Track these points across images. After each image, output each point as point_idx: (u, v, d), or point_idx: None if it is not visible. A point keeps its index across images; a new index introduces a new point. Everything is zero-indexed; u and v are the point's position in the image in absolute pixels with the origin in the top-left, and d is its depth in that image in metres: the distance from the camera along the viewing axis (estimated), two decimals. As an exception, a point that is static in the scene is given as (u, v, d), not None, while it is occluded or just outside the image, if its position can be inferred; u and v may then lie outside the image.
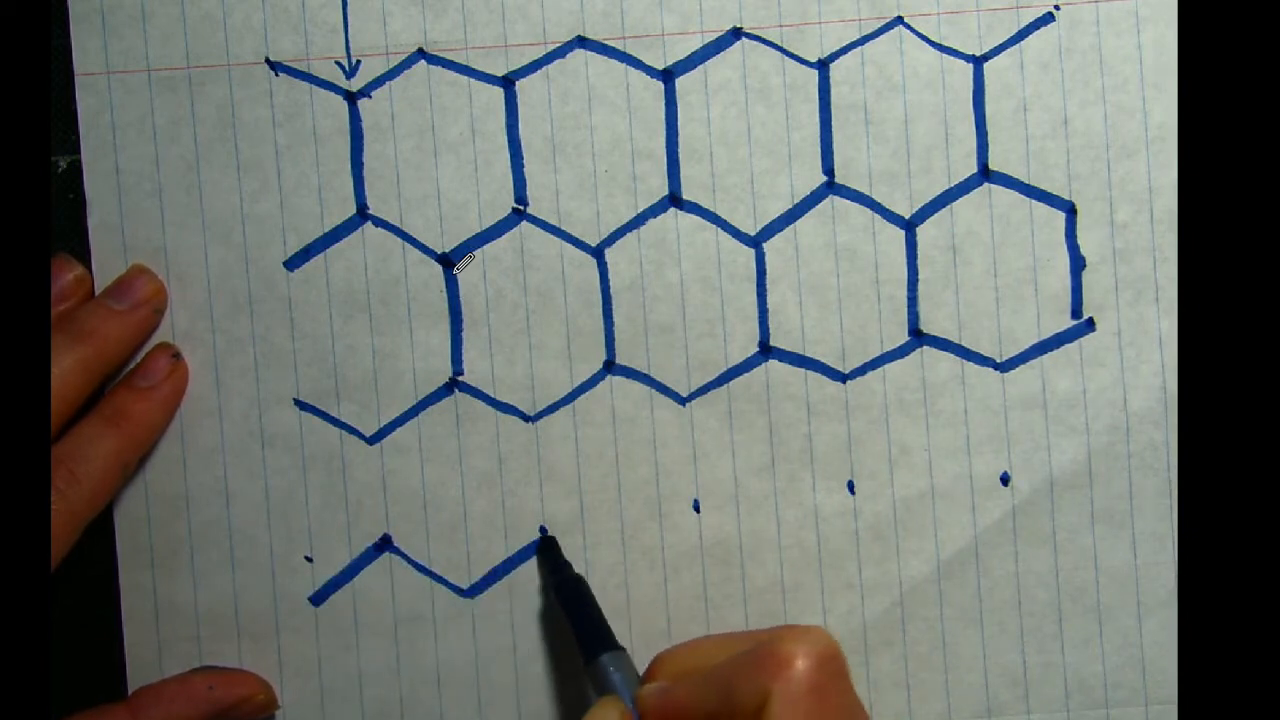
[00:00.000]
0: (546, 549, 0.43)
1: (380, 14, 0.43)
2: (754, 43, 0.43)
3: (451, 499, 0.43)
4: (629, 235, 0.43)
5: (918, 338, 0.43)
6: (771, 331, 0.43)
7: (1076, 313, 0.43)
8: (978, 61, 0.43)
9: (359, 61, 0.43)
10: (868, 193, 0.43)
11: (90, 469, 0.40)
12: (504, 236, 0.43)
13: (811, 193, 0.43)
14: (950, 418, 0.43)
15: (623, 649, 0.40)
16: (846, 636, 0.43)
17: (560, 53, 0.43)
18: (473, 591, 0.43)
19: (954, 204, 0.43)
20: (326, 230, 0.43)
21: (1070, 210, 0.43)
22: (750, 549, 0.43)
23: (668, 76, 0.43)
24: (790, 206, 0.43)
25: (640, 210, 0.43)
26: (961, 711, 0.43)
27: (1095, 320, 0.43)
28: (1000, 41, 0.43)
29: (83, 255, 0.42)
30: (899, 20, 0.43)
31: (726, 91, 0.43)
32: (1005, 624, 0.43)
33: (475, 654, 0.43)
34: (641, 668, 0.40)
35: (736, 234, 0.43)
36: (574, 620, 0.41)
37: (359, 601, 0.43)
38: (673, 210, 0.43)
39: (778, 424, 0.43)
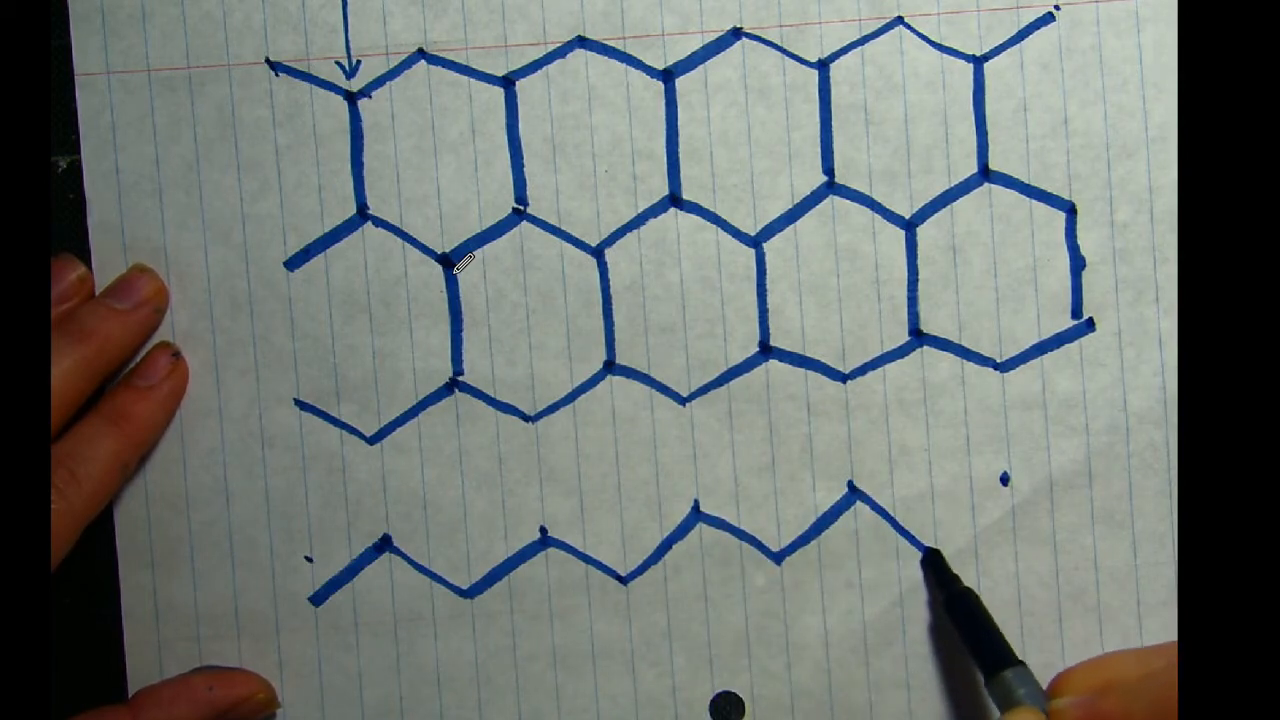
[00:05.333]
0: (933, 562, 0.42)
1: (380, 14, 0.43)
2: (754, 43, 0.43)
3: (451, 499, 0.43)
4: (629, 235, 0.43)
5: (918, 338, 0.43)
6: (771, 331, 0.43)
7: (1076, 313, 0.43)
8: (978, 61, 0.43)
9: (359, 61, 0.43)
10: (868, 193, 0.43)
11: (90, 469, 0.40)
12: (504, 236, 0.43)
13: (811, 193, 0.43)
14: (950, 418, 0.43)
15: (1023, 663, 0.39)
16: (846, 636, 0.43)
17: (560, 53, 0.43)
18: (473, 591, 0.43)
19: (954, 204, 0.43)
20: (326, 230, 0.43)
21: (1070, 210, 0.43)
22: (750, 549, 0.43)
23: (668, 76, 0.43)
24: (790, 206, 0.43)
25: (640, 210, 0.43)
26: (962, 711, 0.43)
27: (1095, 320, 0.43)
28: (1000, 41, 0.43)
29: (83, 255, 0.42)
30: (899, 20, 0.43)
31: (726, 91, 0.43)
32: (1005, 624, 0.43)
33: (475, 654, 0.43)
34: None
35: (736, 234, 0.43)
36: (969, 635, 0.40)
37: (359, 601, 0.43)
38: (673, 210, 0.43)
39: (778, 424, 0.43)
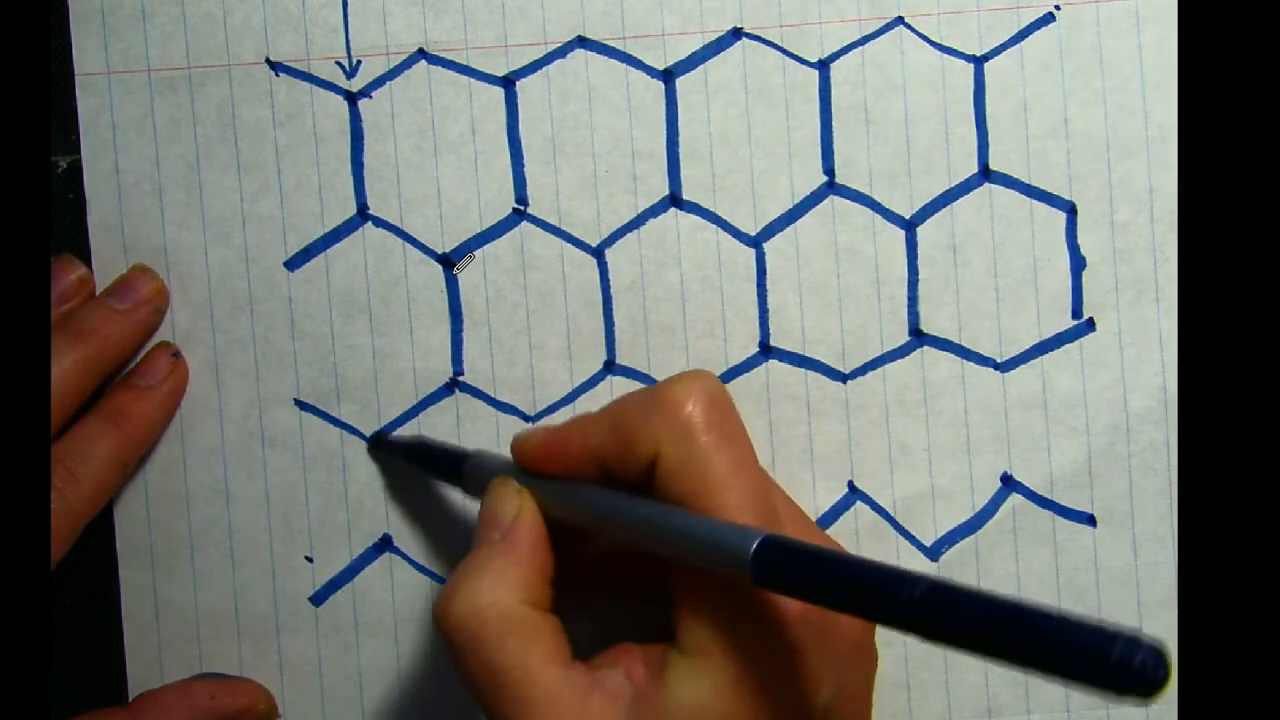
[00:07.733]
0: (376, 445, 0.43)
1: (380, 14, 0.43)
2: (754, 43, 0.43)
3: (451, 499, 0.43)
4: (629, 235, 0.43)
5: (918, 338, 0.43)
6: (772, 331, 0.43)
7: (1076, 313, 0.43)
8: (978, 61, 0.43)
9: (359, 61, 0.43)
10: (868, 193, 0.43)
11: (90, 469, 0.40)
12: (504, 236, 0.43)
13: (812, 193, 0.43)
14: (950, 418, 0.43)
15: (479, 450, 0.40)
16: (846, 636, 0.43)
17: (560, 53, 0.43)
18: (473, 591, 0.43)
19: (954, 204, 0.43)
20: (327, 230, 0.43)
21: (1070, 210, 0.43)
22: (750, 549, 0.43)
23: (668, 76, 0.43)
24: (790, 206, 0.43)
25: (640, 210, 0.43)
26: (961, 711, 0.43)
27: (1095, 320, 0.43)
28: (1000, 41, 0.43)
29: (83, 255, 0.42)
30: (899, 20, 0.43)
31: (727, 91, 0.43)
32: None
33: (475, 654, 0.43)
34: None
35: (737, 234, 0.43)
36: (427, 464, 0.41)
37: (359, 601, 0.43)
38: (673, 210, 0.43)
39: (778, 424, 0.43)
